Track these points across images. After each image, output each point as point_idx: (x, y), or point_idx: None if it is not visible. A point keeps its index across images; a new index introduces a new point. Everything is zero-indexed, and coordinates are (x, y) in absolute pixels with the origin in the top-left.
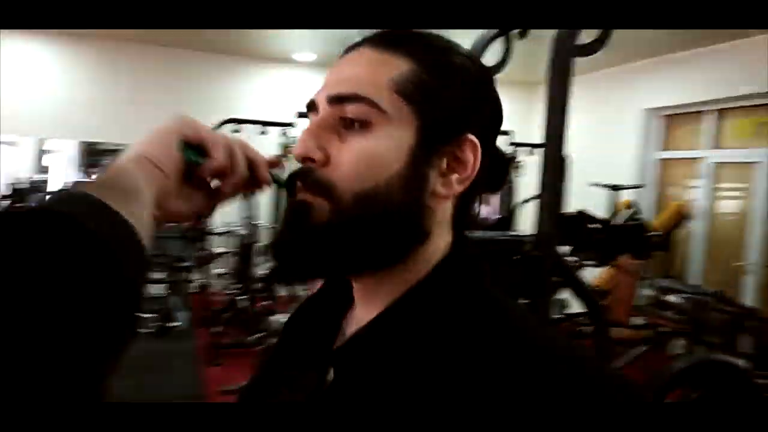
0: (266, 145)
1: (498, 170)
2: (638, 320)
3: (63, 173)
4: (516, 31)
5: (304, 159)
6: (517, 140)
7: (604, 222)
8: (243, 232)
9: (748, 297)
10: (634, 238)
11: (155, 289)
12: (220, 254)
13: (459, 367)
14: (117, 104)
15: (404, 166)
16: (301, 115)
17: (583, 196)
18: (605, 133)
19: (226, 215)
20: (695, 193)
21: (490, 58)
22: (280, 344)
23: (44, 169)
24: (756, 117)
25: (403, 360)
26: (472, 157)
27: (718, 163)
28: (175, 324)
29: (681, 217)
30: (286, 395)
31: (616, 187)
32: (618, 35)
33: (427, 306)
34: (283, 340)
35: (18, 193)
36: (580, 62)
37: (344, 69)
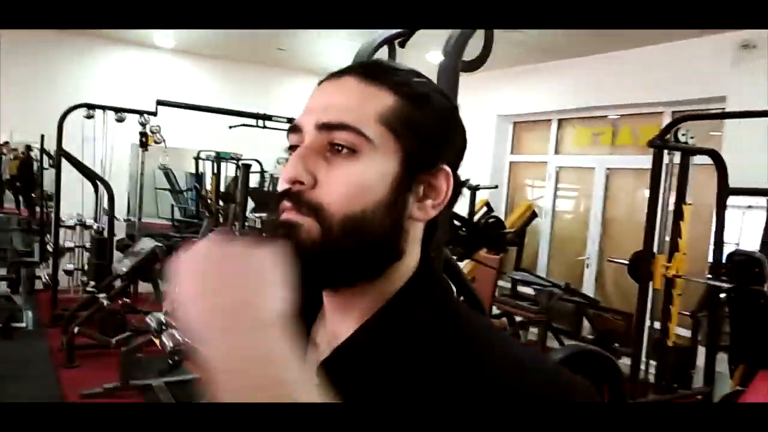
0: (125, 132)
1: (457, 193)
2: (496, 310)
3: None
4: (398, 40)
5: (294, 182)
6: None
7: (466, 220)
8: (97, 225)
9: (588, 288)
10: (492, 235)
11: None
12: (69, 248)
13: (432, 371)
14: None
15: (389, 193)
16: (291, 130)
17: None
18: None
19: (75, 206)
20: (542, 194)
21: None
22: None
23: None
24: (593, 128)
25: (386, 367)
26: (446, 185)
27: (561, 167)
28: (21, 325)
29: (530, 215)
30: None
31: (474, 188)
32: (472, 45)
33: (403, 318)
34: None
35: None
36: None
37: (331, 97)
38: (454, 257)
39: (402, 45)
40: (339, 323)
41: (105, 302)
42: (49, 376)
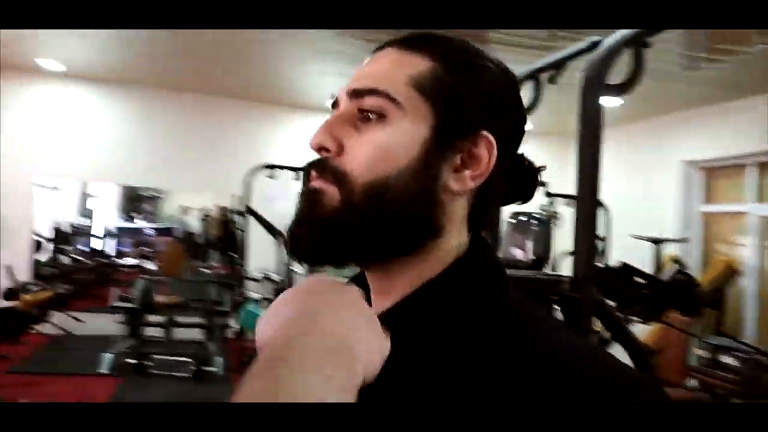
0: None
1: (521, 177)
2: (693, 382)
3: (105, 217)
4: (546, 74)
5: (320, 149)
6: (553, 191)
7: (651, 276)
8: (278, 278)
9: None
10: (683, 294)
11: (192, 333)
12: (256, 300)
13: (462, 367)
14: (155, 150)
15: (416, 159)
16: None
17: (624, 250)
18: (645, 184)
19: (262, 261)
20: (743, 249)
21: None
22: None
23: (88, 213)
24: None
25: (409, 356)
26: (487, 154)
27: (764, 216)
28: (212, 369)
29: (730, 273)
30: None
31: (658, 240)
32: (650, 88)
33: (437, 304)
34: None
35: (61, 237)
36: (616, 113)
37: (367, 67)
38: (635, 317)
39: (553, 80)
40: (378, 306)
41: None
42: None
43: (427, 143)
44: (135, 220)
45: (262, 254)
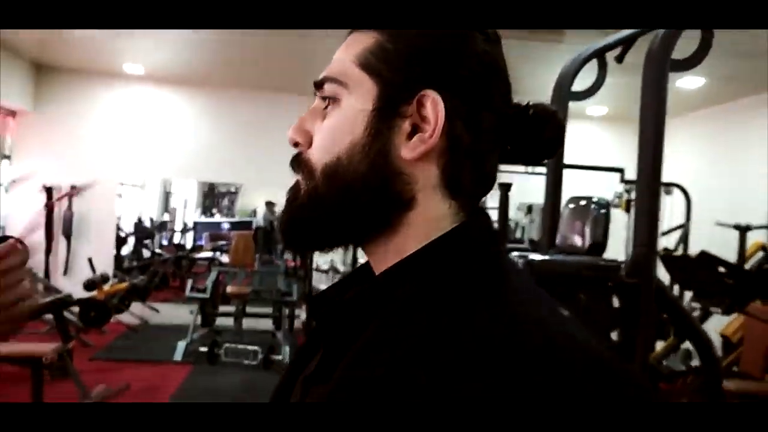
0: None
1: (523, 130)
2: None
3: (185, 212)
4: (612, 55)
5: (294, 144)
6: (629, 177)
7: (732, 265)
8: (343, 268)
9: None
10: None
11: (262, 323)
12: None
13: (429, 347)
14: (231, 147)
15: (362, 134)
16: None
17: (709, 238)
18: (731, 169)
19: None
20: None
21: (583, 82)
22: (311, 332)
23: (169, 209)
24: None
25: (376, 334)
26: (434, 113)
27: None
28: (279, 357)
29: None
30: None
31: (744, 228)
32: (736, 67)
33: (405, 281)
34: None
35: (142, 232)
36: (702, 94)
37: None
38: (716, 309)
39: (620, 59)
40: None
41: None
42: None
43: (371, 115)
44: (213, 215)
45: None
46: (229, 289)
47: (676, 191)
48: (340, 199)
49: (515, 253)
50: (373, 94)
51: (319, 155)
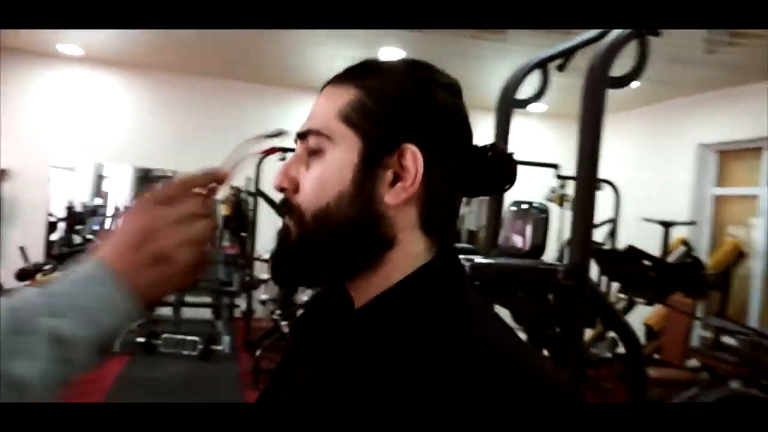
0: None
1: (486, 169)
2: (693, 362)
3: (117, 197)
4: (554, 63)
5: (280, 189)
6: (564, 173)
7: (657, 259)
8: None
9: None
10: (689, 277)
11: (201, 313)
12: (264, 280)
13: (406, 370)
14: (169, 133)
15: (349, 184)
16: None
17: (635, 232)
18: (658, 167)
19: (272, 242)
20: (753, 232)
21: (527, 89)
22: (289, 348)
23: (102, 194)
24: None
25: (361, 359)
26: (413, 164)
27: None
28: (219, 348)
29: (738, 255)
30: (283, 395)
31: (668, 224)
32: (667, 70)
33: (390, 310)
34: (291, 344)
35: (73, 216)
36: (632, 95)
37: (311, 109)
38: (640, 300)
39: (561, 68)
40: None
41: (286, 329)
42: (235, 395)
43: (357, 167)
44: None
45: (271, 235)
46: None
47: (607, 186)
48: (329, 241)
49: (462, 256)
50: (357, 147)
51: (308, 202)
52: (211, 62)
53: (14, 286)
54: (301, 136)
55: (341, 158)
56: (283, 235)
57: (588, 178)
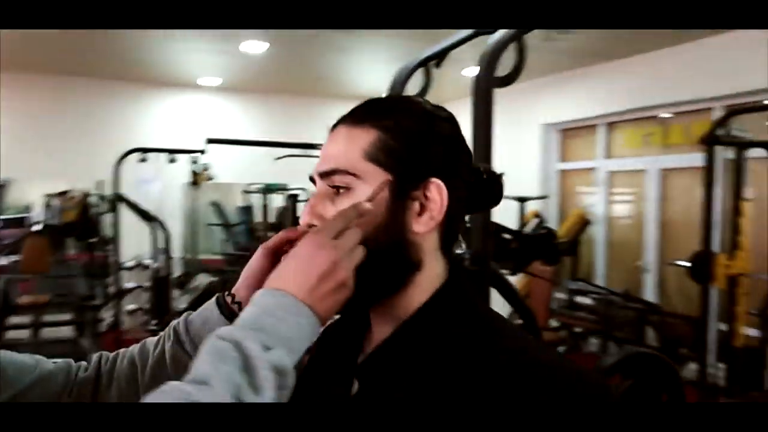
0: (177, 173)
1: (484, 189)
2: (554, 323)
3: None
4: (433, 62)
5: (309, 225)
6: None
7: (516, 232)
8: (155, 264)
9: (649, 294)
10: (544, 246)
11: (63, 332)
12: (130, 289)
13: (459, 373)
14: (10, 136)
15: (382, 217)
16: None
17: (495, 209)
18: (510, 147)
19: (135, 248)
20: (593, 200)
21: (411, 87)
22: (309, 364)
23: None
24: (642, 129)
25: (414, 370)
26: (439, 196)
27: (612, 171)
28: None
29: (583, 223)
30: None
31: (522, 199)
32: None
33: (429, 324)
34: (312, 361)
35: None
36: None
37: (329, 148)
38: (504, 271)
39: (438, 65)
40: (379, 334)
41: None
42: None
43: (388, 201)
44: None
45: (132, 241)
46: (22, 299)
47: None
48: (366, 271)
49: None
50: (386, 183)
51: None
52: (54, 58)
53: None
54: (325, 174)
55: (374, 194)
56: None
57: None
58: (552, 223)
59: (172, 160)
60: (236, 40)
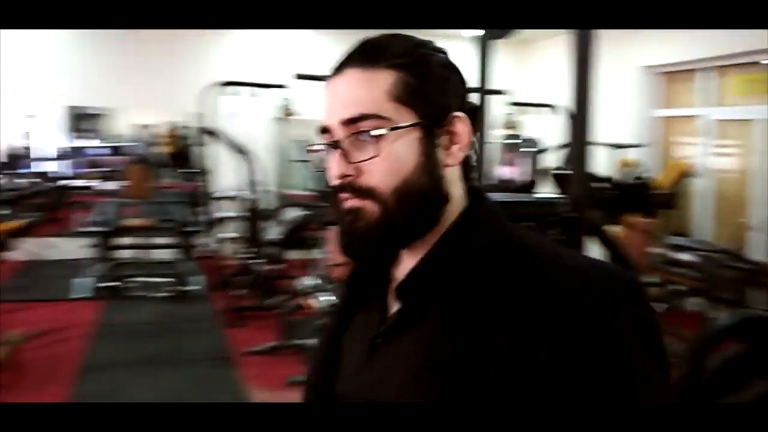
0: (262, 107)
1: (473, 118)
2: (653, 278)
3: (49, 137)
4: None
5: (343, 176)
6: (516, 99)
7: (609, 180)
8: (249, 196)
9: (756, 252)
10: (640, 196)
11: (166, 254)
12: (224, 218)
13: (498, 285)
14: (104, 71)
15: (419, 155)
16: (322, 131)
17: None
18: (604, 90)
19: (230, 179)
20: (697, 151)
21: None
22: (344, 299)
23: (30, 135)
24: (754, 74)
25: (450, 288)
26: (464, 128)
27: (719, 120)
28: (191, 288)
29: (684, 174)
30: (358, 338)
31: (617, 146)
32: None
33: (458, 244)
34: (346, 295)
35: (15, 160)
36: None
37: (343, 93)
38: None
39: None
40: (409, 263)
41: (257, 267)
42: (215, 334)
43: (421, 140)
44: (86, 140)
45: (228, 172)
46: (130, 221)
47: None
48: (410, 213)
49: None
50: (414, 121)
51: (384, 180)
52: None
53: None
54: (350, 121)
55: (406, 134)
56: (357, 217)
57: (580, 115)
58: (651, 174)
59: (254, 95)
60: None
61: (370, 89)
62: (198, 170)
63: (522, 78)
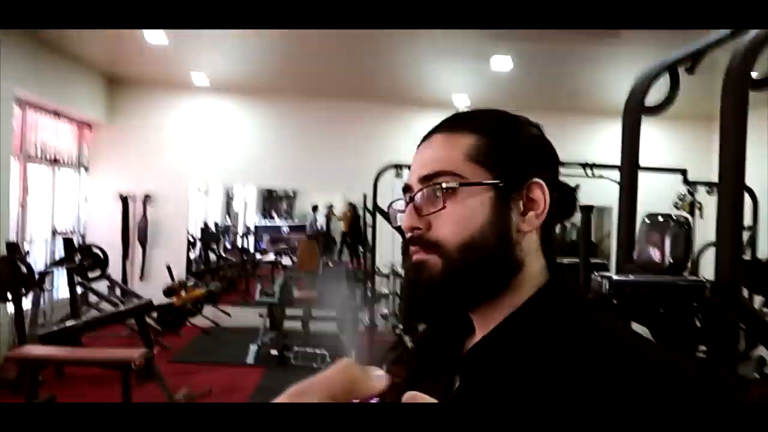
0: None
1: (566, 200)
2: None
3: (246, 216)
4: (683, 67)
5: (412, 228)
6: (693, 179)
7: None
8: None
9: None
10: None
11: (329, 327)
12: (384, 294)
13: (563, 369)
14: (289, 154)
15: (489, 215)
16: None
17: None
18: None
19: (388, 256)
20: None
21: (654, 95)
22: (412, 365)
23: (231, 213)
24: None
25: (515, 365)
26: (542, 195)
27: None
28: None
29: None
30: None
31: None
32: None
33: (530, 320)
34: (415, 362)
35: (209, 236)
36: (757, 94)
37: (427, 154)
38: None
39: (691, 69)
40: (481, 334)
41: (409, 344)
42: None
43: (494, 200)
44: (273, 219)
45: (387, 250)
46: (296, 293)
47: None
48: (475, 270)
49: (596, 273)
50: (488, 182)
51: (451, 236)
52: (323, 85)
53: (162, 301)
54: (427, 178)
55: (480, 194)
56: (421, 270)
57: (734, 187)
58: None
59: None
60: (487, 55)
61: (450, 150)
62: (364, 247)
63: (706, 157)
